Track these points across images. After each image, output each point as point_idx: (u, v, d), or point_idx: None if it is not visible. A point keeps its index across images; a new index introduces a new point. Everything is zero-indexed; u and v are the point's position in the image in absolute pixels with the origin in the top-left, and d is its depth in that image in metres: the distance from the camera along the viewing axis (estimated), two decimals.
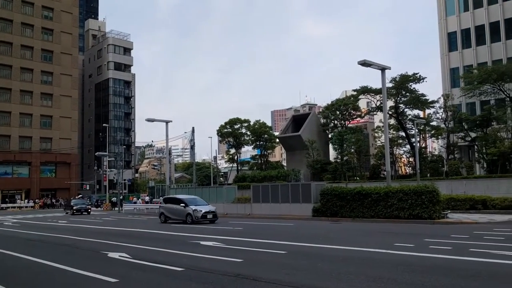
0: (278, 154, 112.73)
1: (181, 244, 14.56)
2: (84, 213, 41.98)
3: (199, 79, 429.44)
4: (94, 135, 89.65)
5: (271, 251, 12.03)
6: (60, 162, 70.98)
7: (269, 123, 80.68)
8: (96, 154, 58.88)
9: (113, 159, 68.66)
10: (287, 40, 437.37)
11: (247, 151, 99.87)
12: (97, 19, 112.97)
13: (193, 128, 56.58)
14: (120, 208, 47.10)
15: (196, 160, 74.09)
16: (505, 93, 41.08)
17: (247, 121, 67.89)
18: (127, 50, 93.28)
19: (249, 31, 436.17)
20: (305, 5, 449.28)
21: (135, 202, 52.53)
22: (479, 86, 42.06)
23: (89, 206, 44.90)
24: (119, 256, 11.60)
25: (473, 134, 44.03)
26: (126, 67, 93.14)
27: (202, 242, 14.45)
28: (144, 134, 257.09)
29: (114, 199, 53.93)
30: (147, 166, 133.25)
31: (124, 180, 66.85)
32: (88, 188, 75.54)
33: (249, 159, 78.11)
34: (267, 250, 12.33)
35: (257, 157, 71.67)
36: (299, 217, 26.23)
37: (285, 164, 70.23)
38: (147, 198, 54.27)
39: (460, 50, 53.89)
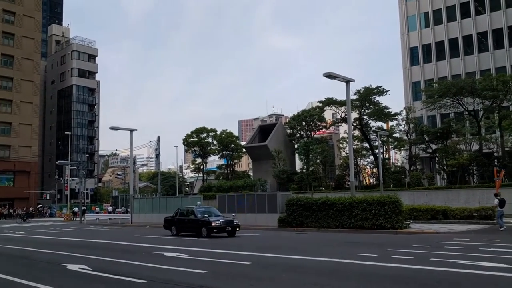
0: (245, 164, 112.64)
1: (144, 255, 14.25)
2: (225, 233, 21.69)
3: (167, 89, 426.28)
4: (55, 143, 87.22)
5: (236, 262, 11.92)
6: (18, 170, 68.44)
7: (236, 133, 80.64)
8: (57, 162, 57.22)
9: (75, 167, 66.92)
10: (254, 52, 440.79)
11: (214, 161, 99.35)
12: (61, 24, 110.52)
13: (158, 137, 55.98)
14: (82, 218, 45.94)
15: (161, 170, 73.07)
16: (464, 107, 42.57)
17: (214, 130, 67.64)
18: (92, 57, 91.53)
19: (218, 43, 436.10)
20: (272, 18, 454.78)
21: (97, 212, 51.30)
22: (439, 99, 43.43)
23: (237, 222, 22.37)
24: (79, 268, 11.23)
25: (434, 146, 45.31)
26: (91, 74, 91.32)
27: (165, 253, 14.19)
28: (109, 142, 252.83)
29: (75, 209, 52.46)
30: (110, 175, 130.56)
31: (87, 189, 65.24)
32: (48, 197, 73.22)
33: (215, 169, 77.66)
34: (231, 261, 12.22)
35: (224, 166, 71.41)
36: (265, 227, 26.21)
37: (251, 174, 70.22)
38: (110, 208, 53.06)
39: (421, 65, 55.65)
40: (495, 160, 39.72)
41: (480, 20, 51.70)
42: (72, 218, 51.54)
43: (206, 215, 22.09)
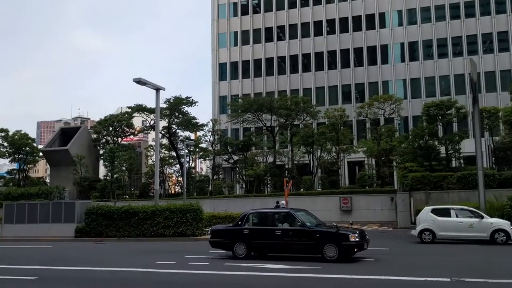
0: (42, 170, 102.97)
1: None
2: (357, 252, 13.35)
3: None
4: None
5: (18, 278, 10.76)
6: None
7: (34, 135, 72.78)
8: None
9: None
10: (61, 49, 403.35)
11: (4, 165, 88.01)
12: None
13: None
14: None
15: None
16: (263, 122, 46.64)
17: (5, 130, 59.88)
18: None
19: (17, 35, 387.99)
20: (83, 16, 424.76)
21: None
22: (242, 114, 46.75)
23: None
24: None
25: (235, 157, 48.41)
26: None
27: None
28: None
29: None
30: None
31: None
32: None
33: (4, 174, 68.76)
34: (13, 276, 10.97)
35: (15, 171, 63.75)
36: (60, 238, 24.24)
37: (49, 181, 64.24)
38: None
39: (228, 80, 59.14)
40: (286, 172, 44.41)
41: (281, 45, 57.59)
42: None
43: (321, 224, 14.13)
